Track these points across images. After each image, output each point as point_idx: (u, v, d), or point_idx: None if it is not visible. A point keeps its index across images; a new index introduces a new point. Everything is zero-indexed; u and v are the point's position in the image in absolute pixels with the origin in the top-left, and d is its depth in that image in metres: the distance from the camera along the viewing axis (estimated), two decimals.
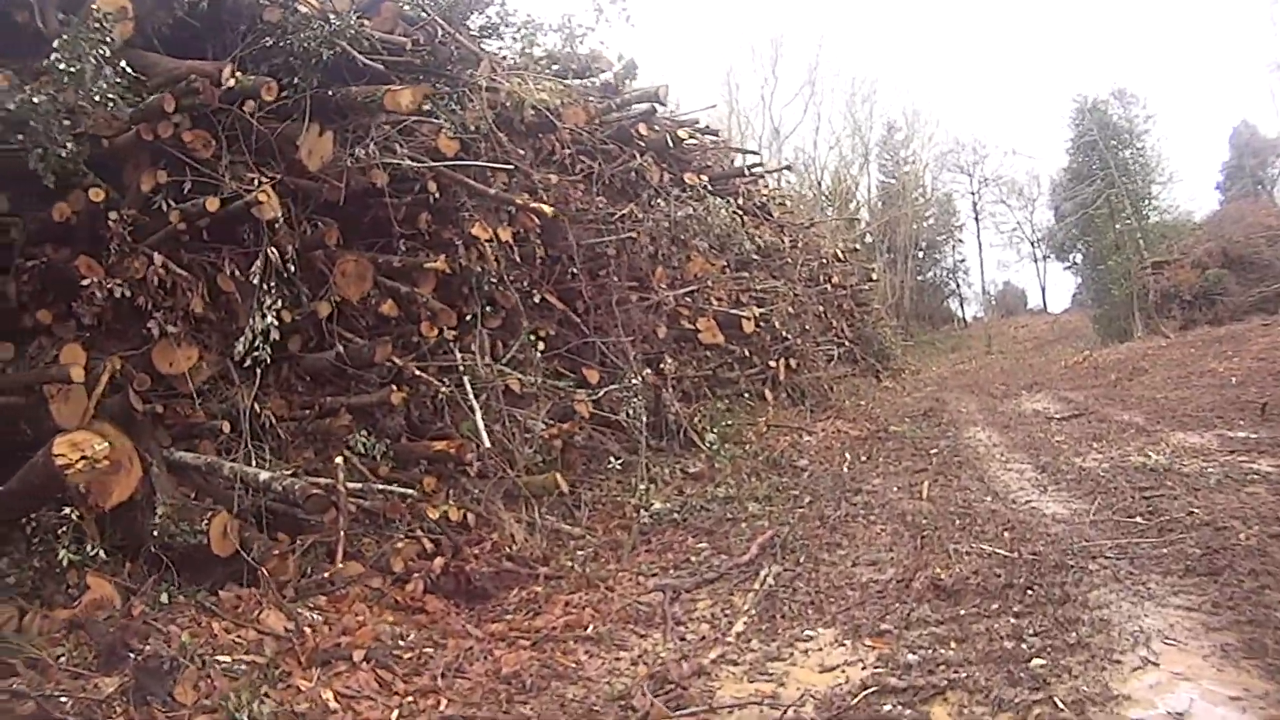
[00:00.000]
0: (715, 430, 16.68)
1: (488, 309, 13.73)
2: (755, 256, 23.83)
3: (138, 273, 10.00)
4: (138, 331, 10.27)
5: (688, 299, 19.16)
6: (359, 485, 10.74)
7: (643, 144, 18.41)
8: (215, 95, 10.68)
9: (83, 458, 8.24)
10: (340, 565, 9.59)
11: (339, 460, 10.53)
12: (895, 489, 13.94)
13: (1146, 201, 47.82)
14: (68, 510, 8.59)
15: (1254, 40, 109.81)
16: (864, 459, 16.94)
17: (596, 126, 17.00)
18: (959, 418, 22.82)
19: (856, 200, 67.81)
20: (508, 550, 10.92)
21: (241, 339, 10.75)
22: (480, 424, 12.30)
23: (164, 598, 8.59)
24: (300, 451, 11.33)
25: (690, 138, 20.95)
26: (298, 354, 11.97)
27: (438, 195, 12.74)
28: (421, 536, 10.72)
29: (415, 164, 12.34)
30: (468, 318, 13.39)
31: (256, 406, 10.85)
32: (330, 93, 12.05)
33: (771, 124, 65.75)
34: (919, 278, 72.58)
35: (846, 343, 33.03)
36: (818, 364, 26.66)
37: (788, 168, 40.25)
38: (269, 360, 10.89)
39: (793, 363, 24.47)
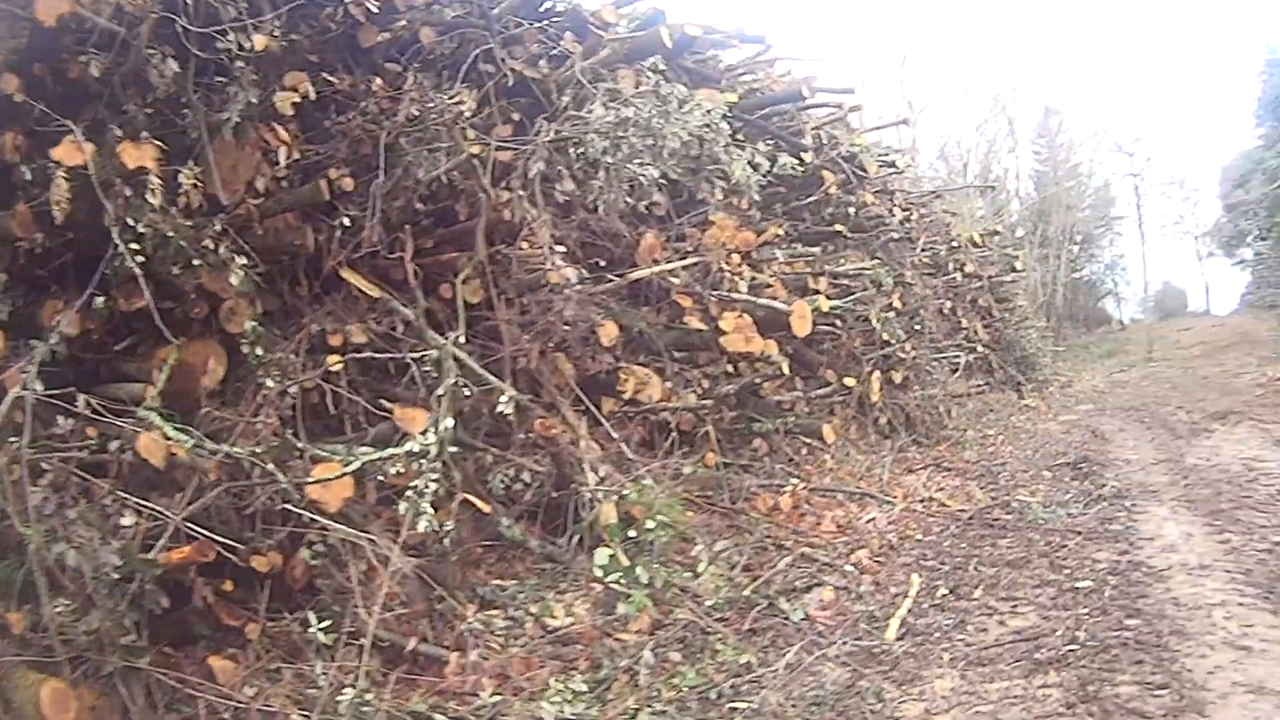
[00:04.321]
0: (650, 522, 8.06)
1: None
2: (842, 230, 16.13)
3: None
4: None
5: (692, 281, 11.35)
6: None
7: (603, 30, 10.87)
8: None
9: None
10: None
11: None
12: None
13: None
14: None
15: None
16: (945, 591, 8.59)
17: None
18: (1128, 478, 13.82)
19: (1007, 191, 59.12)
20: None
21: None
22: None
23: None
24: None
25: (702, 33, 12.41)
26: None
27: None
28: None
29: None
30: None
31: None
32: None
33: (901, 96, 54.64)
34: (1074, 274, 62.83)
35: (980, 347, 24.74)
36: (934, 376, 18.34)
37: (904, 121, 31.00)
38: None
39: (896, 375, 16.42)
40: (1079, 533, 10.33)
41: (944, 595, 8.39)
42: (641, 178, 8.69)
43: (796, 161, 11.63)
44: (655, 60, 9.73)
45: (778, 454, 11.89)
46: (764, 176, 10.77)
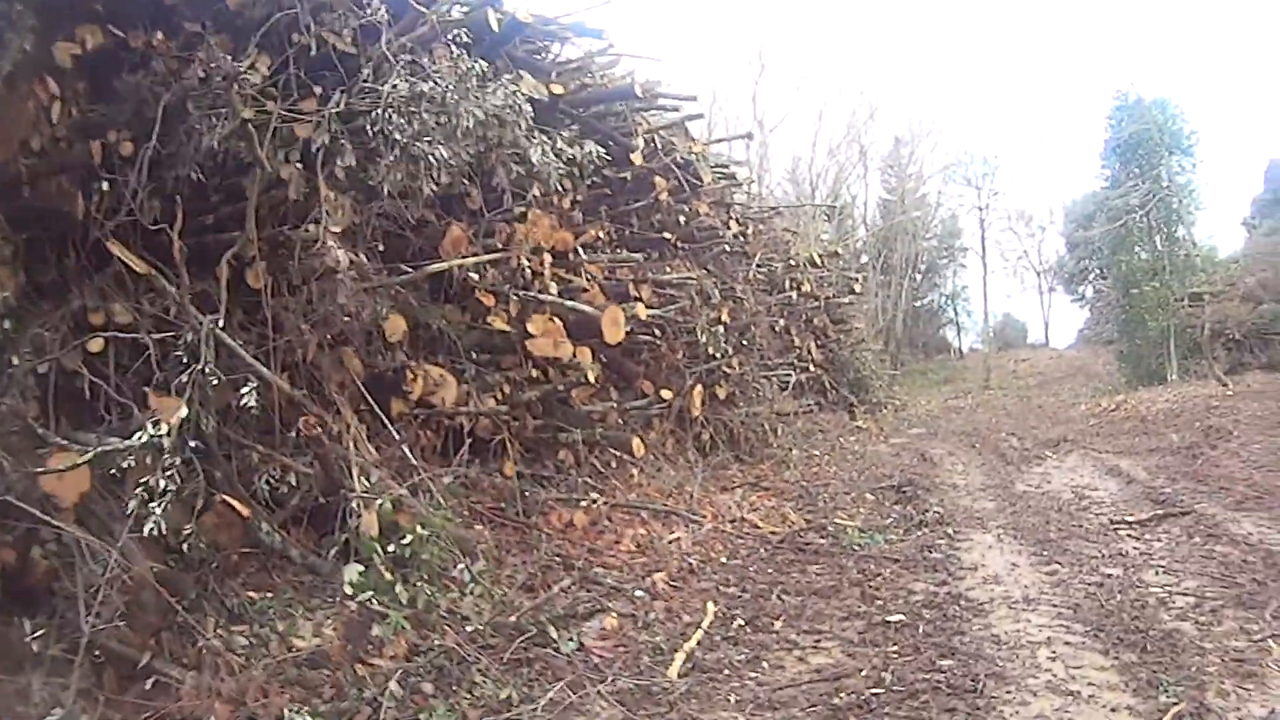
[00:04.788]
0: (408, 535, 7.27)
1: None
2: (670, 238, 15.61)
3: None
4: None
5: (501, 279, 10.74)
6: None
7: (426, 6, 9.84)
8: None
9: None
10: None
11: None
12: None
13: (1184, 221, 38.75)
14: None
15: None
16: (742, 622, 7.95)
17: None
18: (954, 503, 13.62)
19: (853, 218, 59.54)
20: None
21: None
22: None
23: None
24: None
25: (534, 21, 11.84)
26: None
27: None
28: None
29: None
30: None
31: None
32: None
33: (753, 113, 54.34)
34: (916, 302, 64.05)
35: (812, 367, 24.40)
36: (762, 393, 17.80)
37: (749, 135, 30.89)
38: None
39: (720, 390, 15.95)
40: (896, 560, 9.91)
41: (740, 626, 7.80)
42: (431, 157, 8.12)
43: (603, 150, 11.08)
44: (459, 33, 9.13)
45: (584, 466, 11.32)
46: (588, 178, 10.34)
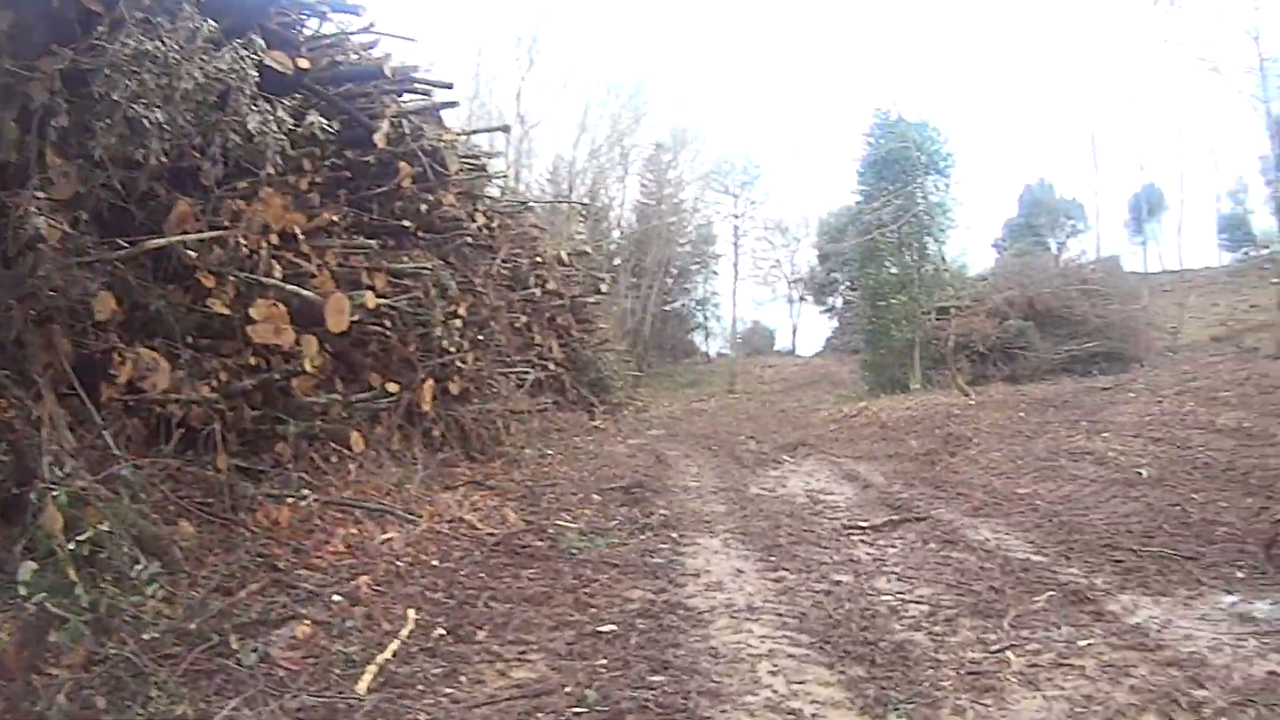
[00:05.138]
0: (89, 531, 6.79)
1: None
2: (410, 226, 15.39)
3: None
4: None
5: (226, 259, 10.25)
6: None
7: None
8: None
9: None
10: None
11: None
12: None
13: (936, 240, 40.27)
14: None
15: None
16: (443, 631, 7.50)
17: None
18: (683, 506, 13.57)
19: (609, 220, 60.05)
20: None
21: None
22: None
23: None
24: None
25: None
26: None
27: None
28: None
29: None
30: None
31: None
32: None
33: (516, 109, 54.32)
34: (665, 306, 65.07)
35: (553, 365, 24.44)
36: (497, 390, 17.81)
37: (506, 127, 30.85)
38: None
39: (454, 386, 15.80)
40: (615, 565, 9.69)
41: (441, 636, 7.38)
42: (147, 120, 7.81)
43: (328, 123, 10.86)
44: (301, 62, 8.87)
45: (301, 461, 10.97)
46: (328, 158, 10.08)
